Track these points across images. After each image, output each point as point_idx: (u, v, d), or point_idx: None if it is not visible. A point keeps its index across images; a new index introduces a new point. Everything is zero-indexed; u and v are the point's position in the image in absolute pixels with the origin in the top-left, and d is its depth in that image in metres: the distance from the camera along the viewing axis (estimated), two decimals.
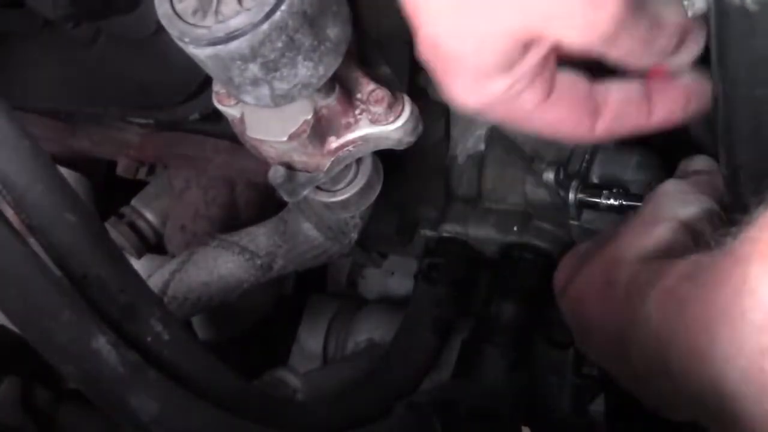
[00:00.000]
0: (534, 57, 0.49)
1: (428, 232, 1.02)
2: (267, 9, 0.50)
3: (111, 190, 1.16)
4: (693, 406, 0.48)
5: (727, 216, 0.56)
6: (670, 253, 0.53)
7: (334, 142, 0.64)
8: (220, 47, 0.51)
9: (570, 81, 0.54)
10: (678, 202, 0.58)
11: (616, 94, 0.56)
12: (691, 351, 0.45)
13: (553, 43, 0.48)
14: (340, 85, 0.62)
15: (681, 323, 0.46)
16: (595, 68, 0.55)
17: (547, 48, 0.49)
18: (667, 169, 0.92)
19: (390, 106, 0.62)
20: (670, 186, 0.61)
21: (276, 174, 0.64)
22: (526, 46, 0.48)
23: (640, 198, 0.88)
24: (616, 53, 0.49)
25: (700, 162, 0.65)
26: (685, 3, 0.49)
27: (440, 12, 0.48)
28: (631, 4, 0.46)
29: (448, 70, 0.51)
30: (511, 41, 0.47)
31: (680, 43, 0.52)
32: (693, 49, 0.54)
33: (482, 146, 0.98)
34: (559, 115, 0.53)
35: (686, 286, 0.47)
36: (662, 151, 0.94)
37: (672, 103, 0.57)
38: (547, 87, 0.52)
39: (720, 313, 0.43)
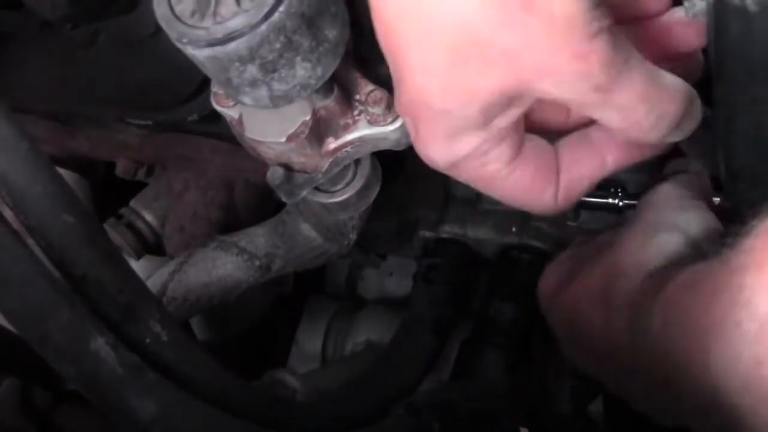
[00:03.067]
0: (513, 113, 0.48)
1: (427, 233, 1.02)
2: (265, 10, 0.50)
3: (110, 192, 1.16)
4: (692, 417, 0.47)
5: (723, 223, 0.56)
6: (671, 263, 0.53)
7: (332, 143, 0.64)
8: (218, 48, 0.51)
9: (537, 146, 0.53)
10: (677, 209, 0.57)
11: (566, 153, 0.54)
12: (689, 362, 0.45)
13: (537, 99, 0.47)
14: (339, 86, 0.62)
15: (679, 333, 0.46)
16: None
17: (528, 105, 0.48)
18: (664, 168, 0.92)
19: (388, 107, 0.62)
20: (667, 190, 0.60)
21: (274, 175, 0.64)
22: (510, 102, 0.47)
23: (638, 197, 0.88)
24: (616, 116, 0.47)
25: (683, 163, 0.65)
26: (686, 4, 0.50)
27: (433, 68, 0.46)
28: (620, 49, 0.44)
29: (424, 124, 0.50)
30: (500, 96, 0.46)
31: (684, 111, 0.49)
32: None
33: None
34: (524, 179, 0.52)
35: (684, 295, 0.47)
36: None
37: (619, 147, 0.55)
38: (515, 148, 0.51)
39: (716, 324, 0.43)
